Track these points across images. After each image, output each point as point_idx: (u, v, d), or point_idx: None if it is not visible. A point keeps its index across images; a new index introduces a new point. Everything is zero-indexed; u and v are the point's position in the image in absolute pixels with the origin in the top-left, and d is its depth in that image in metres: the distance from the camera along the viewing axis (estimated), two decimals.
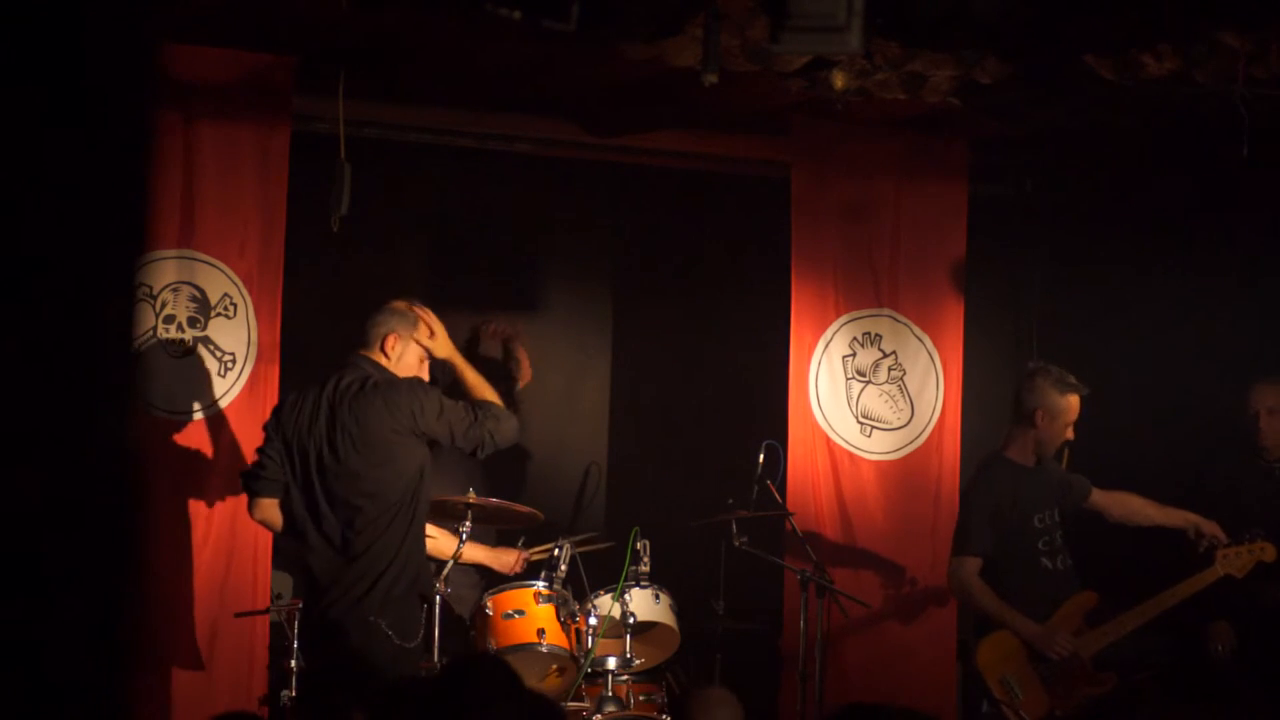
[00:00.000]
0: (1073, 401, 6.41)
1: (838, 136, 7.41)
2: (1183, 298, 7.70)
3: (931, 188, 7.67)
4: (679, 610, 6.64)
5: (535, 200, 7.81)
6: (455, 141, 7.36)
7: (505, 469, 7.40)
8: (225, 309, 6.63)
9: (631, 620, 6.40)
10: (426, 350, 5.82)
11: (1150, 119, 6.62)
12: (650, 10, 5.49)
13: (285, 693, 5.77)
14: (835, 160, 7.50)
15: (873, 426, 7.59)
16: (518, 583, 6.49)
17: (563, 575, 6.53)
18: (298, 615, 5.93)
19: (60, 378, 6.65)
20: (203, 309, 6.60)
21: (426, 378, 5.85)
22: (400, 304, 5.85)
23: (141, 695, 6.43)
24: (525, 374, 7.06)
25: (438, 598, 5.73)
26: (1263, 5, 5.40)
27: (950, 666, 7.32)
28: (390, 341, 5.77)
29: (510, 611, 6.36)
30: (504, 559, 6.81)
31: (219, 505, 6.55)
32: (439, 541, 6.25)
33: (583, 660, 6.34)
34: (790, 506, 7.17)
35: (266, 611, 6.40)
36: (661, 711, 6.53)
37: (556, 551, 6.59)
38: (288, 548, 6.18)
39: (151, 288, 6.53)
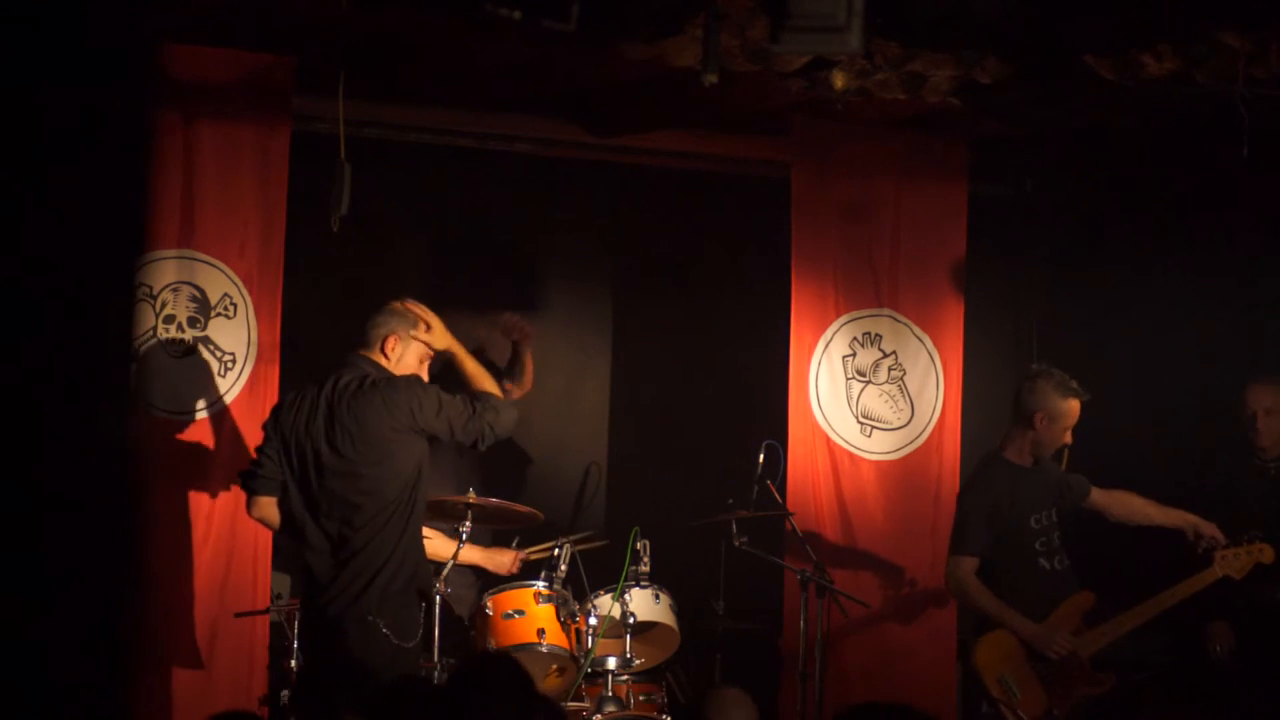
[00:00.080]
0: (1073, 406, 6.41)
1: (838, 136, 7.41)
2: (1183, 298, 7.70)
3: (931, 188, 7.67)
4: (679, 610, 6.64)
5: (535, 200, 7.81)
6: (455, 141, 7.36)
7: (505, 469, 7.41)
8: (225, 309, 6.63)
9: (631, 620, 6.40)
10: (426, 344, 5.82)
11: (1150, 119, 6.62)
12: (650, 10, 5.49)
13: (285, 693, 5.78)
14: (835, 160, 7.49)
15: (873, 426, 7.59)
16: (518, 583, 6.49)
17: (563, 575, 6.54)
18: (297, 614, 5.94)
19: (60, 378, 6.66)
20: (203, 309, 6.60)
21: (426, 379, 5.85)
22: (398, 304, 5.85)
23: (141, 695, 6.43)
24: (526, 383, 7.01)
25: (437, 597, 5.73)
26: (1263, 5, 5.40)
27: (950, 666, 7.32)
28: (390, 343, 5.77)
29: (510, 611, 6.37)
30: (498, 559, 6.80)
31: (219, 505, 6.55)
32: (435, 543, 6.25)
33: (583, 660, 6.34)
34: (790, 506, 7.17)
35: (266, 611, 6.41)
36: (661, 711, 6.53)
37: (556, 551, 6.59)
38: (287, 547, 6.19)
39: (151, 288, 6.53)
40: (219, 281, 6.62)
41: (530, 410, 7.09)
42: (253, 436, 6.20)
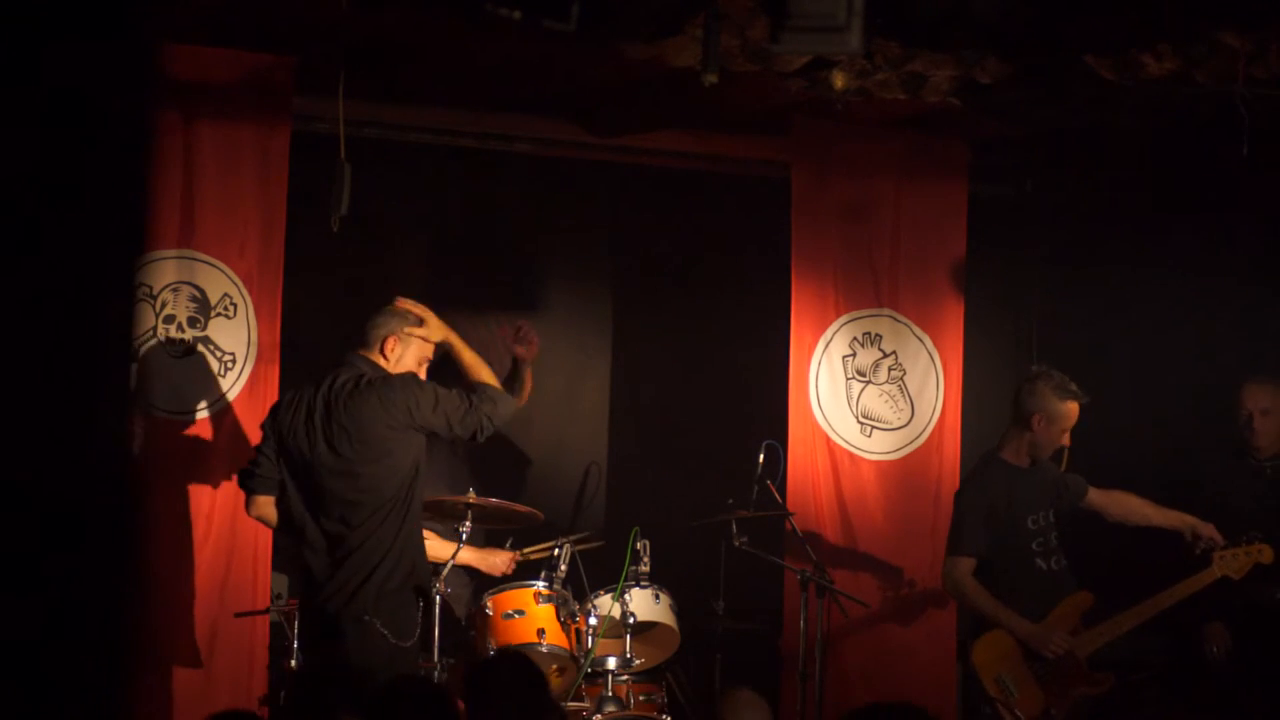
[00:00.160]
0: (1071, 408, 6.40)
1: (838, 136, 7.42)
2: (1183, 298, 7.70)
3: (931, 188, 7.67)
4: (679, 610, 6.64)
5: (535, 200, 7.81)
6: (455, 141, 7.36)
7: (505, 469, 7.41)
8: (225, 309, 6.63)
9: (631, 620, 6.40)
10: (423, 339, 5.81)
11: (1150, 119, 6.62)
12: (650, 10, 5.49)
13: (284, 693, 5.78)
14: (835, 160, 7.50)
15: (873, 426, 7.59)
16: (518, 583, 6.49)
17: (563, 575, 6.54)
18: (297, 614, 5.94)
19: (60, 378, 6.65)
20: (203, 309, 6.61)
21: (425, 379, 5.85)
22: (394, 304, 5.85)
23: (141, 695, 6.44)
24: (523, 399, 6.93)
25: (437, 597, 5.73)
26: (1263, 5, 5.39)
27: (950, 667, 7.32)
28: (390, 344, 5.77)
29: (510, 611, 6.37)
30: (491, 560, 6.78)
31: (219, 505, 6.56)
32: (432, 543, 6.24)
33: (583, 660, 6.34)
34: (790, 506, 7.17)
35: (266, 611, 6.42)
36: (661, 711, 6.54)
37: (556, 551, 6.59)
38: (286, 547, 6.19)
39: (151, 288, 6.54)
40: (219, 281, 6.62)
41: (530, 410, 7.07)
42: (253, 436, 6.20)
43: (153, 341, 6.54)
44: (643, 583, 6.53)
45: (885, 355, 7.62)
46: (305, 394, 5.72)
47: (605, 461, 7.97)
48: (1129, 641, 6.33)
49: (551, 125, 7.49)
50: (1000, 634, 6.30)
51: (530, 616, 6.37)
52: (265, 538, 6.53)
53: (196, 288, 6.60)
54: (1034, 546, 6.41)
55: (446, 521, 6.52)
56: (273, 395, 6.52)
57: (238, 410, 6.61)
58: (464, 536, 6.11)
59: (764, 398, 7.57)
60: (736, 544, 6.73)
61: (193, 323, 6.60)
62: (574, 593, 6.54)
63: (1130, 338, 7.87)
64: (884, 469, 7.59)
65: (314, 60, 6.45)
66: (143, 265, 6.53)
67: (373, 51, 6.35)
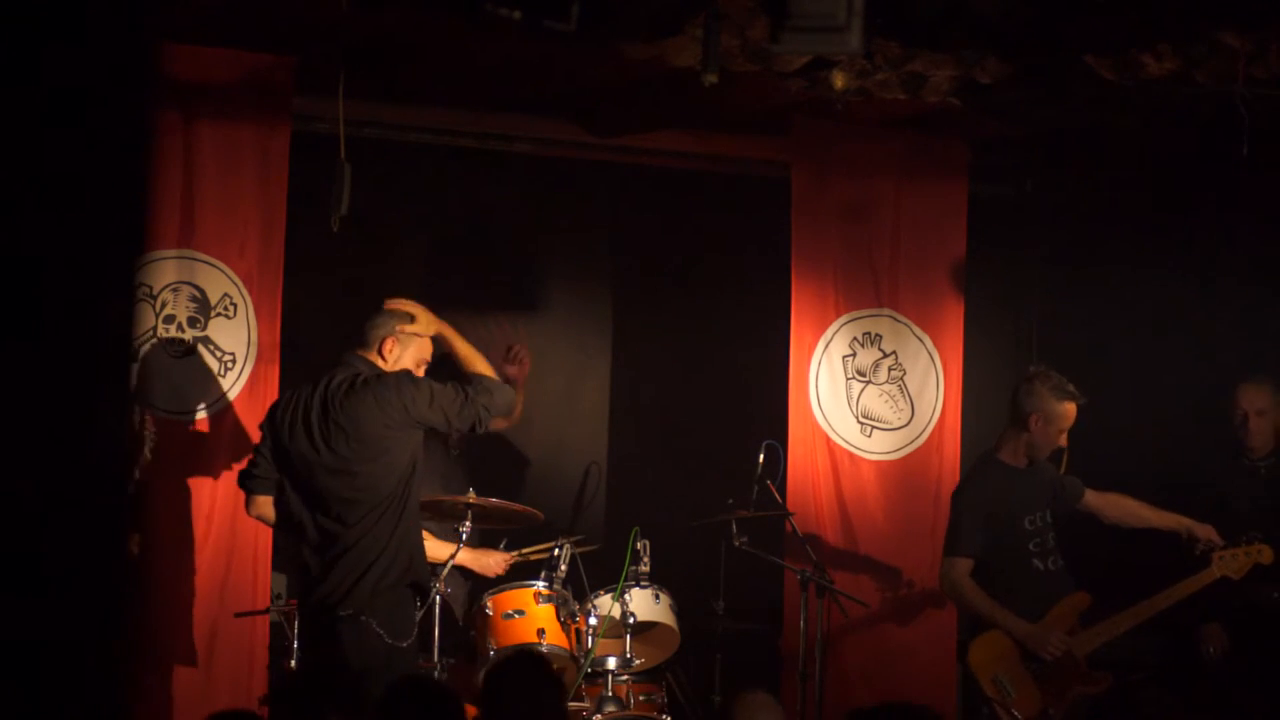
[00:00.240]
0: (1069, 409, 6.40)
1: (838, 136, 7.42)
2: (1183, 298, 7.70)
3: (931, 188, 7.67)
4: (679, 610, 6.64)
5: (535, 200, 7.81)
6: (455, 141, 7.36)
7: (505, 469, 7.41)
8: (225, 309, 6.63)
9: (631, 620, 6.40)
10: (417, 334, 5.81)
11: (1150, 119, 6.62)
12: (650, 10, 5.49)
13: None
14: (835, 160, 7.50)
15: (873, 426, 7.59)
16: (518, 582, 6.49)
17: (563, 575, 6.54)
18: (296, 614, 5.94)
19: (60, 378, 6.65)
20: (203, 309, 6.61)
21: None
22: (388, 305, 5.86)
23: (141, 695, 6.44)
24: (515, 416, 6.86)
25: (436, 598, 5.72)
26: (1263, 5, 5.40)
27: (950, 667, 7.32)
28: (388, 345, 5.77)
29: (510, 611, 6.37)
30: (484, 561, 6.75)
31: (219, 505, 6.56)
32: (428, 544, 6.24)
33: (583, 660, 6.34)
34: (790, 506, 7.17)
35: (266, 611, 6.41)
36: (661, 711, 6.54)
37: (556, 552, 6.59)
38: (286, 547, 6.19)
39: (151, 288, 6.54)
40: (219, 281, 6.62)
41: (530, 410, 7.09)
42: (253, 436, 6.20)
43: (152, 341, 6.54)
44: (643, 583, 6.53)
45: (885, 355, 7.62)
46: (303, 394, 5.72)
47: (605, 461, 7.98)
48: (1126, 641, 6.34)
49: (551, 125, 7.49)
50: (997, 634, 6.30)
51: (530, 616, 6.37)
52: (265, 537, 6.53)
53: (196, 288, 6.60)
54: (1031, 547, 6.41)
55: (445, 522, 6.52)
56: (273, 395, 6.52)
57: (238, 410, 6.61)
58: (463, 537, 6.11)
59: (764, 398, 7.57)
60: (736, 544, 6.73)
61: (193, 323, 6.60)
62: (574, 593, 6.53)
63: (1130, 338, 7.87)
64: (884, 469, 7.59)
65: (314, 60, 6.45)
66: (143, 265, 6.53)
67: (373, 51, 6.36)
